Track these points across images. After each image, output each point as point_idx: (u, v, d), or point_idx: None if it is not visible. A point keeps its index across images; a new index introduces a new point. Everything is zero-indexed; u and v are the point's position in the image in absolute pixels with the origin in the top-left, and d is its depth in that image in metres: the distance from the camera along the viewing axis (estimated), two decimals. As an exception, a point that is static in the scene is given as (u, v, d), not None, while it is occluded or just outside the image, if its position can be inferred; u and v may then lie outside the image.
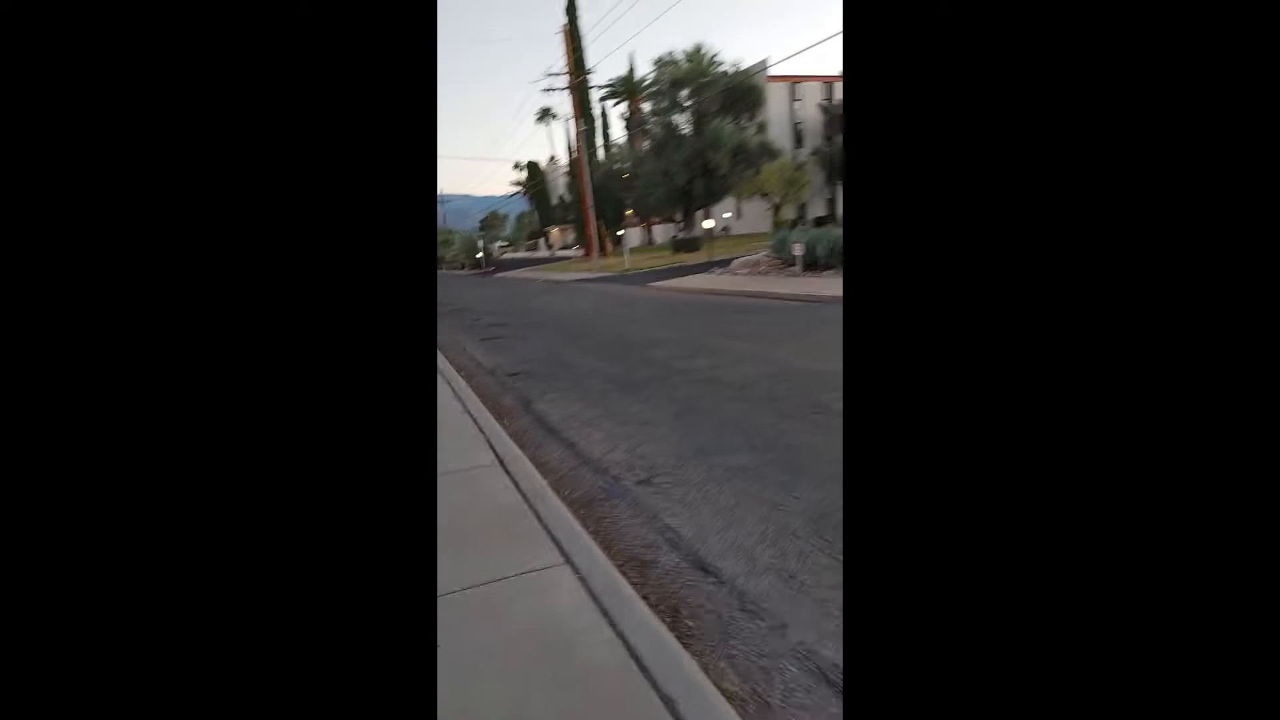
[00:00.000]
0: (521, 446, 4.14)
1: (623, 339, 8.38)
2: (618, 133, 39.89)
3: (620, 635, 2.05)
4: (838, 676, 1.89)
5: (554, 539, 2.73)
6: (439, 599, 2.22)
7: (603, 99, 36.53)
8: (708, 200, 29.10)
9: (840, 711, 1.77)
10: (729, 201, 32.20)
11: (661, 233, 37.98)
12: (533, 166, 50.30)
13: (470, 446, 4.09)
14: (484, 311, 14.01)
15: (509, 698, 1.82)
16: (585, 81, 30.85)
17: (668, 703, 1.75)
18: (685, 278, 16.20)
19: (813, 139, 36.36)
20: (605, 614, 2.16)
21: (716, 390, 5.29)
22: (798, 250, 13.36)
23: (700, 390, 5.34)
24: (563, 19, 31.50)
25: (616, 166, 33.96)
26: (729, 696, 1.82)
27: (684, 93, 28.34)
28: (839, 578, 2.39)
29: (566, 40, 27.83)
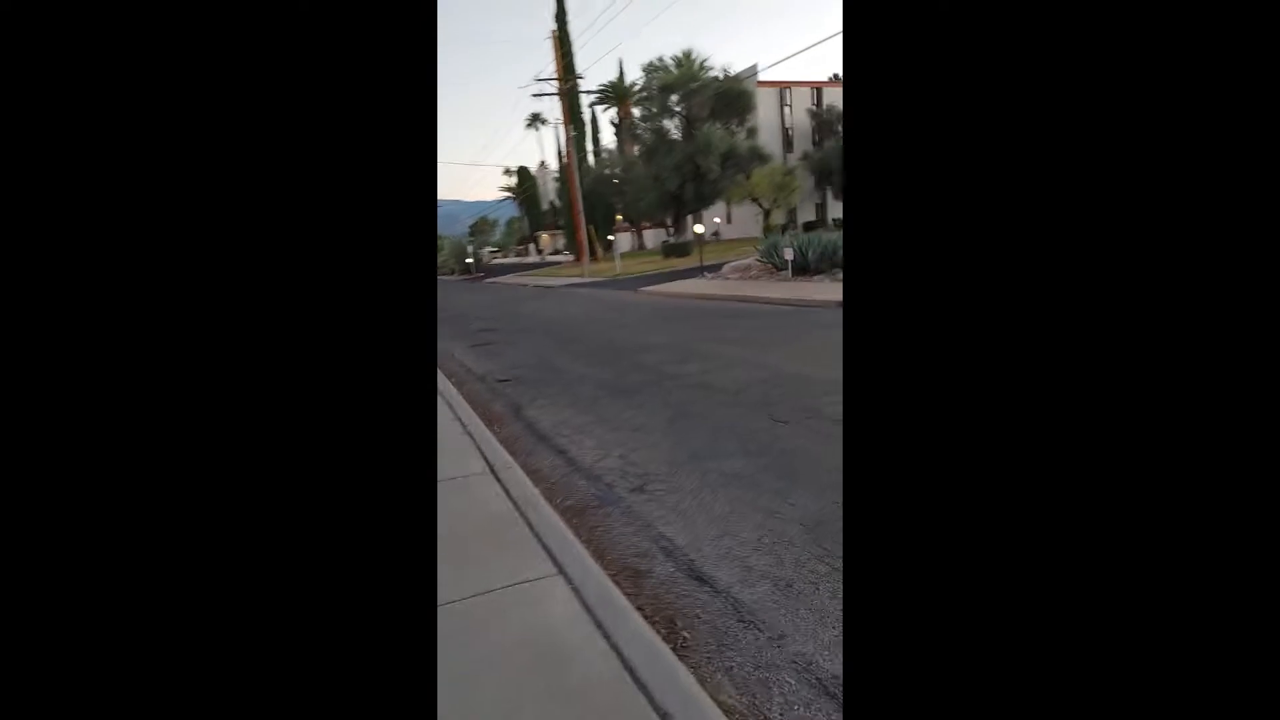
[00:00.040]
0: (512, 454, 4.09)
1: (614, 344, 8.35)
2: (608, 138, 39.98)
3: (615, 647, 2.00)
4: (837, 688, 1.86)
5: (546, 548, 2.68)
6: (429, 612, 2.17)
7: (593, 104, 36.61)
8: (698, 205, 29.18)
9: (840, 724, 1.74)
10: (719, 206, 32.32)
11: (652, 237, 38.05)
12: (523, 172, 50.29)
13: (461, 454, 4.03)
14: (474, 317, 13.94)
15: (502, 712, 1.78)
16: (575, 87, 30.88)
17: (664, 717, 1.71)
18: (676, 282, 16.20)
19: (802, 144, 36.55)
20: (599, 626, 2.11)
21: (709, 395, 5.26)
22: (788, 255, 13.39)
23: (692, 395, 5.31)
24: (557, 22, 31.57)
25: (607, 172, 33.99)
26: (726, 710, 1.78)
27: (674, 98, 28.41)
28: (836, 586, 2.36)
29: (555, 46, 27.83)
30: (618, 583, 2.45)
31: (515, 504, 3.18)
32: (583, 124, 36.55)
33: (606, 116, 37.75)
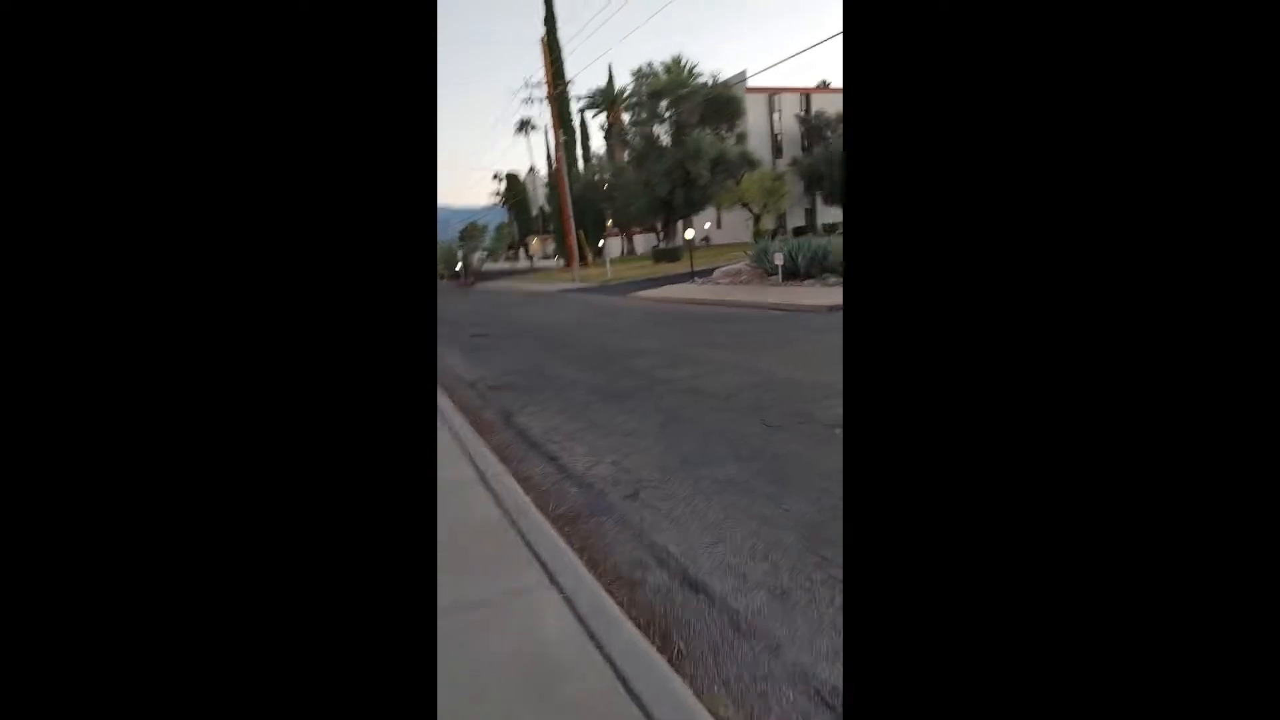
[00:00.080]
0: (503, 461, 4.04)
1: (605, 349, 8.31)
2: (598, 143, 40.05)
3: (609, 659, 1.96)
4: (836, 700, 1.82)
5: (538, 557, 2.63)
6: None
7: (582, 109, 36.65)
8: (688, 210, 29.23)
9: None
10: (709, 212, 32.41)
11: (642, 243, 38.09)
12: (512, 178, 50.21)
13: (451, 461, 3.98)
14: (464, 323, 13.85)
15: (492, 730, 1.73)
16: (564, 92, 30.91)
17: (660, 732, 1.67)
18: (666, 288, 16.19)
19: (791, 150, 36.74)
20: (593, 637, 2.07)
21: (700, 400, 5.23)
22: (778, 260, 13.41)
23: (684, 400, 5.28)
24: (546, 28, 31.58)
25: (597, 177, 34.01)
26: (724, 724, 1.74)
27: (664, 103, 28.50)
28: (833, 593, 2.32)
29: (545, 51, 27.85)
30: (611, 592, 2.41)
31: (506, 512, 3.13)
32: (572, 129, 36.58)
33: (596, 122, 37.85)
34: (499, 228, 68.90)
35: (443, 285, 36.29)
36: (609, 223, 35.12)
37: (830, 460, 3.60)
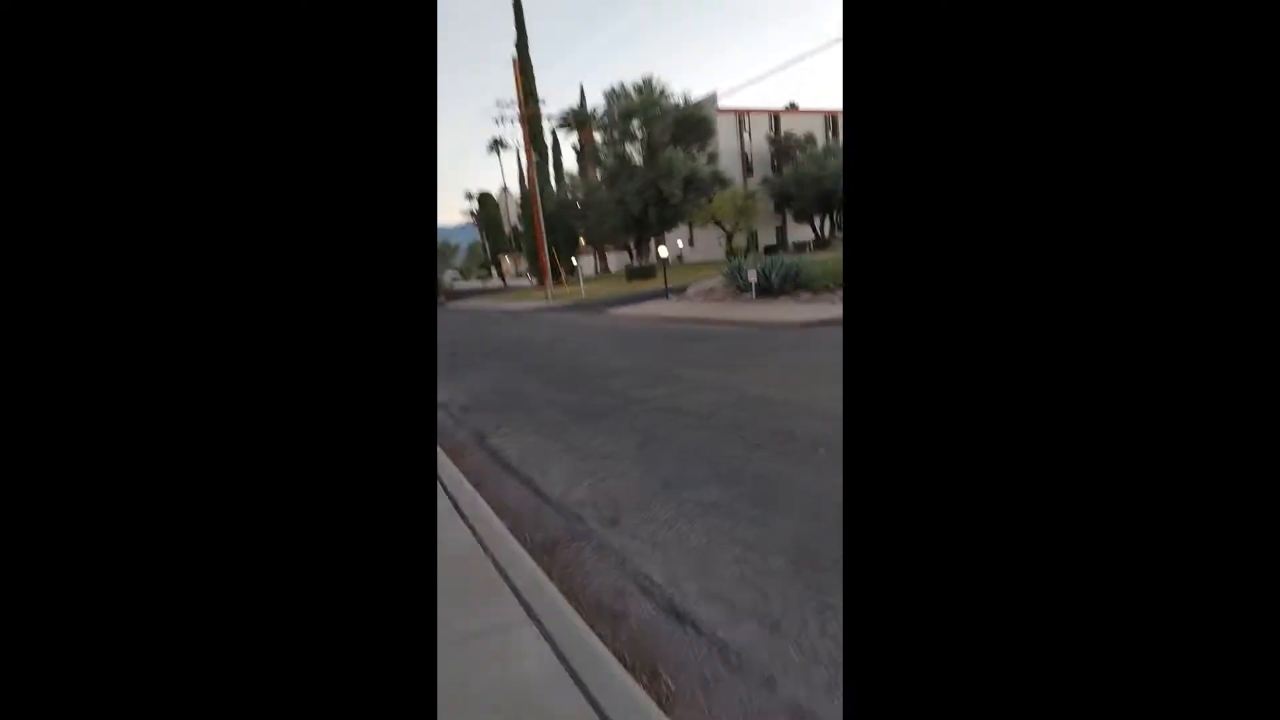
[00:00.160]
0: (477, 485, 3.88)
1: (580, 368, 8.18)
2: (570, 162, 40.13)
3: (593, 702, 1.83)
4: (835, 739, 1.72)
5: (515, 590, 2.49)
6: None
7: (555, 128, 36.73)
8: (661, 228, 29.38)
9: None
10: (682, 230, 32.60)
11: (615, 261, 38.15)
12: (484, 196, 50.00)
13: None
14: (441, 343, 13.58)
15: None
16: (537, 112, 30.96)
17: (651, 784, 1.55)
18: (641, 305, 16.14)
19: (762, 169, 37.29)
20: (575, 678, 1.94)
21: (677, 419, 5.13)
22: (752, 277, 13.47)
23: (662, 419, 5.17)
24: (518, 50, 31.69)
25: (570, 196, 34.04)
26: (718, 771, 1.62)
27: (635, 123, 28.70)
28: (826, 622, 2.23)
29: (516, 71, 27.85)
30: (593, 625, 2.28)
31: (480, 541, 2.98)
32: (545, 148, 36.63)
33: (569, 142, 37.91)
34: (471, 247, 68.56)
35: (414, 304, 35.65)
36: (582, 241, 35.11)
37: (815, 481, 3.52)
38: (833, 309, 10.47)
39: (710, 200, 29.47)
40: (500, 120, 32.91)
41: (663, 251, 18.61)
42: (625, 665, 2.05)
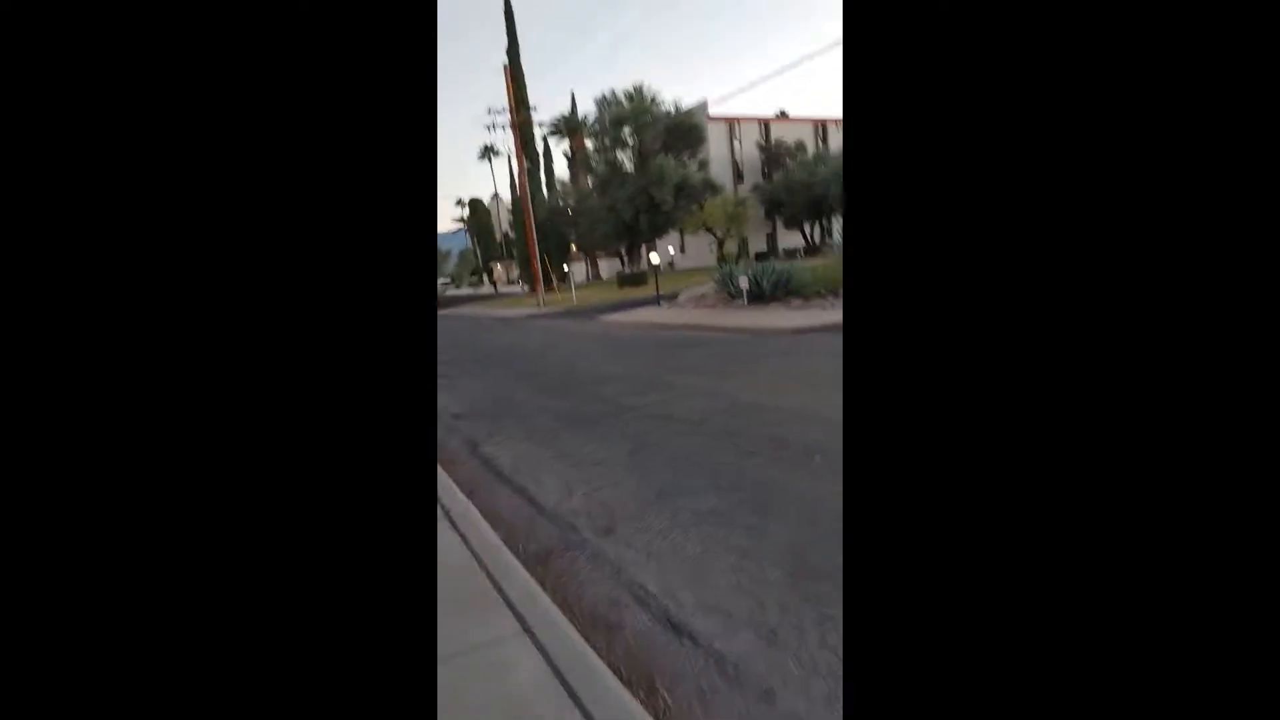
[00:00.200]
0: (470, 495, 3.84)
1: (573, 375, 8.15)
2: (561, 169, 40.16)
3: (588, 716, 1.80)
4: (836, 753, 1.69)
5: (508, 602, 2.45)
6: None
7: (546, 135, 36.78)
8: (652, 235, 29.43)
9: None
10: (673, 236, 32.68)
11: (607, 268, 38.14)
12: (475, 203, 49.95)
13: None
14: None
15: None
16: (528, 118, 30.98)
17: (649, 801, 1.51)
18: (632, 311, 16.13)
19: (752, 176, 37.46)
20: (571, 693, 1.90)
21: (670, 426, 5.10)
22: (743, 284, 13.49)
23: (653, 426, 5.14)
24: (509, 57, 31.73)
25: (561, 203, 34.05)
26: (718, 787, 1.59)
27: (627, 130, 28.79)
28: (824, 632, 2.20)
29: (508, 79, 27.87)
30: (588, 637, 2.24)
31: (474, 553, 2.94)
32: (536, 155, 36.64)
33: (560, 149, 37.96)
34: (462, 254, 68.39)
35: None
36: (573, 247, 35.10)
37: (811, 488, 3.50)
38: (824, 315, 10.49)
39: (701, 207, 29.59)
40: (492, 127, 32.79)
41: (654, 258, 18.64)
42: (621, 678, 2.01)
